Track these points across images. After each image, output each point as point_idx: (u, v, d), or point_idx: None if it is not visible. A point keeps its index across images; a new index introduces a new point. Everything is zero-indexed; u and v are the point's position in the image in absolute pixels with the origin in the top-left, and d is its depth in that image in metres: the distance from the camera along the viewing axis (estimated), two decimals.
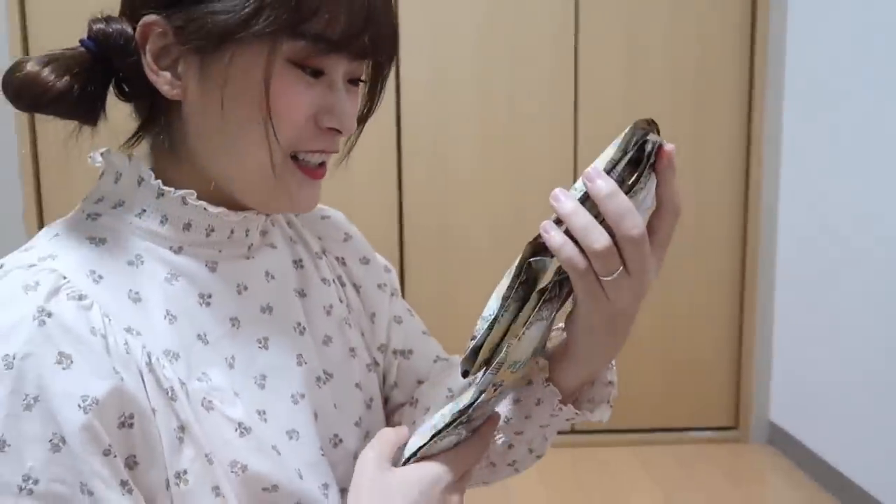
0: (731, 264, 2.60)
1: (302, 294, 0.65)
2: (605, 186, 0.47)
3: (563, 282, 0.51)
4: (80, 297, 0.48)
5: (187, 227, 0.56)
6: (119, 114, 0.57)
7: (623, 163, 0.47)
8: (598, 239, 0.47)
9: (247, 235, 0.60)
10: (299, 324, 0.63)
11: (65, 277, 0.49)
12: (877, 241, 2.04)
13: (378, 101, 0.61)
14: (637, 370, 2.58)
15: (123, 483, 0.47)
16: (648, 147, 0.48)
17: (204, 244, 0.57)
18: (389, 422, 0.74)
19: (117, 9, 0.55)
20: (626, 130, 0.48)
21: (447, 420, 0.54)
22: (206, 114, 0.53)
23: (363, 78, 0.59)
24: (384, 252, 0.84)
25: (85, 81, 0.51)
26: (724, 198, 2.56)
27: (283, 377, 0.59)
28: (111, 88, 0.55)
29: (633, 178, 0.48)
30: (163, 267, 0.55)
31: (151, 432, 0.49)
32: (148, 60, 0.52)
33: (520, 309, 0.51)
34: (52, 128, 0.53)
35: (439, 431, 0.54)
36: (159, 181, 0.55)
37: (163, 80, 0.52)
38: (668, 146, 0.49)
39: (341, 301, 0.69)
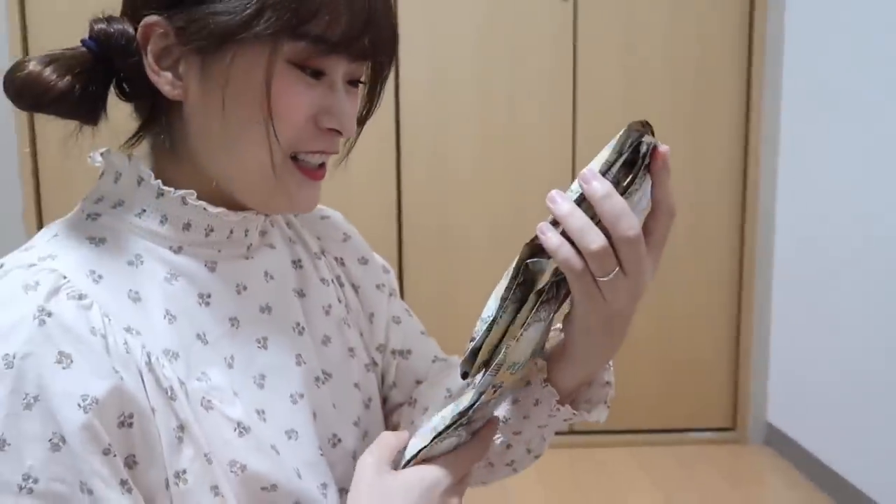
0: (728, 265, 2.60)
1: (301, 294, 0.65)
2: (600, 188, 0.47)
3: (560, 283, 0.51)
4: (80, 297, 0.49)
5: (187, 227, 0.56)
6: (120, 114, 0.57)
7: (618, 164, 0.48)
8: (595, 240, 0.47)
9: (246, 235, 0.60)
10: (298, 324, 0.63)
11: (65, 277, 0.49)
12: (875, 241, 2.04)
13: (378, 102, 0.61)
14: (635, 371, 2.58)
15: (123, 482, 0.47)
16: (643, 149, 0.48)
17: (203, 244, 0.57)
18: (388, 422, 0.74)
19: (118, 9, 0.55)
20: (621, 132, 0.48)
21: (447, 422, 0.54)
22: (207, 114, 0.53)
23: (363, 79, 0.59)
24: (383, 252, 0.85)
25: (86, 81, 0.52)
26: (722, 198, 2.57)
27: (282, 377, 0.60)
28: (112, 88, 0.55)
29: (629, 179, 0.48)
30: (162, 267, 0.55)
31: (151, 432, 0.49)
32: (149, 61, 0.52)
33: (518, 310, 0.51)
34: (52, 127, 0.53)
35: (440, 433, 0.54)
36: (159, 181, 0.55)
37: (164, 81, 0.53)
38: (663, 147, 0.49)
39: (340, 301, 0.69)
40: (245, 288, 0.59)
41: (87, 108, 0.53)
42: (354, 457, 0.65)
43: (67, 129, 0.54)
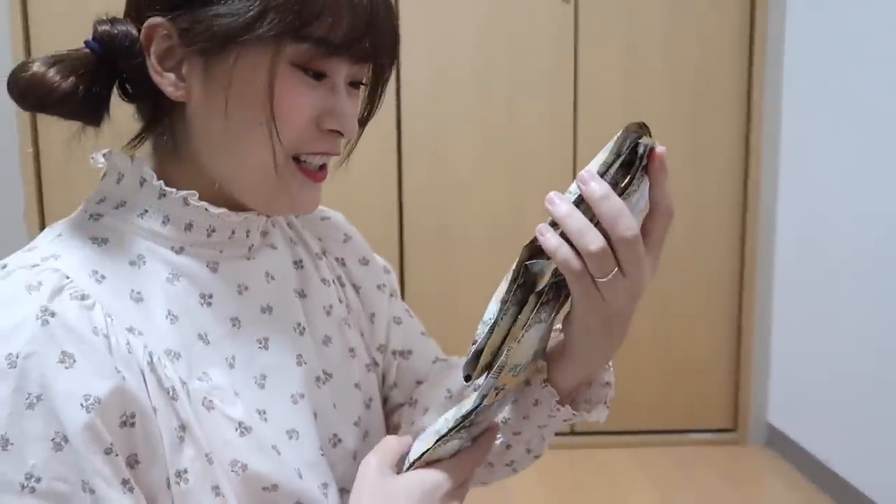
0: (729, 265, 2.60)
1: (302, 294, 0.65)
2: (598, 189, 0.47)
3: (560, 284, 0.51)
4: (83, 297, 0.49)
5: (189, 227, 0.56)
6: (122, 115, 0.58)
7: (616, 166, 0.48)
8: (593, 240, 0.47)
9: (247, 236, 0.60)
10: (299, 324, 0.63)
11: (68, 277, 0.49)
12: (876, 241, 2.04)
13: (379, 103, 0.61)
14: (636, 372, 2.58)
15: (125, 482, 0.47)
16: (640, 150, 0.49)
17: (205, 244, 0.57)
18: (388, 422, 0.74)
19: (121, 10, 0.55)
20: (619, 134, 0.48)
21: (451, 424, 0.54)
22: (210, 115, 0.54)
23: (364, 81, 0.59)
24: (384, 252, 0.85)
25: (90, 82, 0.52)
26: (723, 198, 2.57)
27: (282, 377, 0.60)
28: (115, 89, 0.56)
29: (626, 180, 0.49)
30: (164, 267, 0.55)
31: (153, 431, 0.49)
32: (152, 62, 0.53)
33: (519, 312, 0.51)
34: (55, 128, 0.54)
35: (443, 436, 0.54)
36: (161, 182, 0.55)
37: (167, 82, 0.53)
38: (660, 149, 0.49)
39: (341, 301, 0.69)
40: (246, 288, 0.60)
41: (90, 109, 0.53)
42: (355, 457, 0.65)
43: (70, 130, 0.54)
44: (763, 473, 2.47)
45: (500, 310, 0.51)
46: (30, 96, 0.50)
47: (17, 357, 0.45)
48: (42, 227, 2.36)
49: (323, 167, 0.58)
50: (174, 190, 0.55)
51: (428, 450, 0.55)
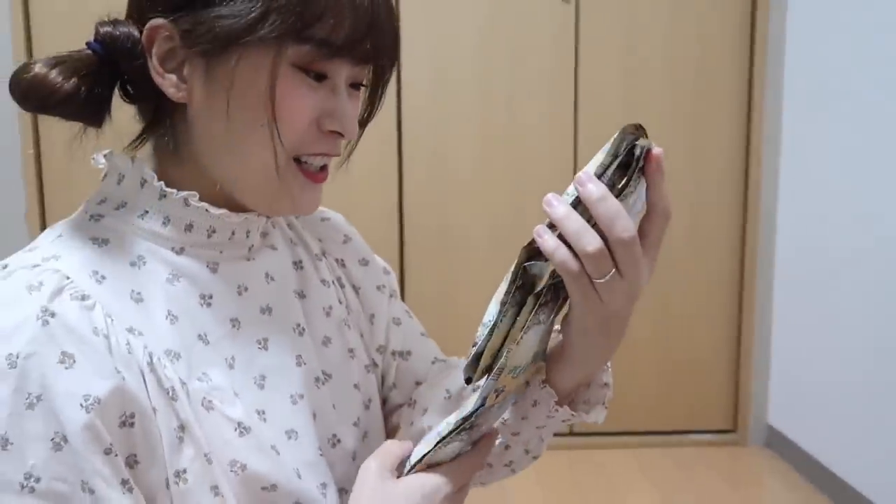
0: (729, 265, 2.60)
1: (301, 295, 0.65)
2: (595, 190, 0.47)
3: (558, 285, 0.51)
4: (83, 298, 0.49)
5: (189, 228, 0.56)
6: (123, 116, 0.58)
7: (613, 167, 0.48)
8: (591, 242, 0.48)
9: (247, 237, 0.60)
10: (299, 325, 0.63)
11: (68, 278, 0.49)
12: (876, 242, 2.04)
13: (379, 105, 0.62)
14: (635, 372, 2.59)
15: (124, 482, 0.47)
16: (637, 151, 0.49)
17: (205, 245, 0.57)
18: (387, 422, 0.74)
19: (122, 12, 0.55)
20: (616, 136, 0.49)
21: (451, 427, 0.55)
22: (212, 116, 0.54)
23: (365, 82, 0.59)
24: (384, 253, 0.85)
25: (92, 84, 0.52)
26: (724, 198, 2.57)
27: (282, 377, 0.60)
28: (116, 91, 0.56)
29: (623, 182, 0.49)
30: (164, 268, 0.55)
31: (152, 431, 0.49)
32: (154, 63, 0.53)
33: (518, 314, 0.51)
34: (56, 129, 0.54)
35: (443, 438, 0.55)
36: (162, 183, 0.55)
37: (168, 83, 0.53)
38: (657, 150, 0.49)
39: (340, 302, 0.69)
40: (246, 289, 0.60)
41: (91, 111, 0.54)
42: (354, 457, 0.65)
43: (72, 131, 0.55)
44: (763, 474, 2.47)
45: (500, 312, 0.51)
46: (32, 97, 0.50)
47: (18, 357, 0.45)
48: (43, 227, 2.36)
49: (324, 168, 0.58)
50: (175, 191, 0.55)
51: (428, 452, 0.55)
